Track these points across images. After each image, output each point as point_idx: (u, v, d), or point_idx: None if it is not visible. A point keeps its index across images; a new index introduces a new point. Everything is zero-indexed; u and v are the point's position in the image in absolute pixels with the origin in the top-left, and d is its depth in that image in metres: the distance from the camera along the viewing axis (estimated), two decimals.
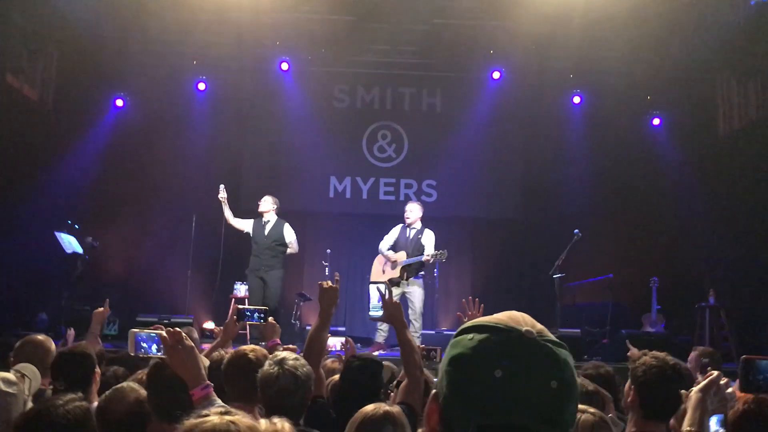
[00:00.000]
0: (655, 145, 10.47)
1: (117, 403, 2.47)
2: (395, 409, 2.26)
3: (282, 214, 8.32)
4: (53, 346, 3.50)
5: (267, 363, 2.55)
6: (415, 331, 7.47)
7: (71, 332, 4.97)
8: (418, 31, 9.73)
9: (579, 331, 8.39)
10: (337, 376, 3.33)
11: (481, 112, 10.67)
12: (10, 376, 2.62)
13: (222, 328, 3.77)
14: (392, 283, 7.75)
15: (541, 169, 10.75)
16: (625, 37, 9.17)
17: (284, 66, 10.25)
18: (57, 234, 8.46)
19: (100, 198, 9.90)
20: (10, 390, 2.52)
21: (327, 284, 3.21)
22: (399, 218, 8.50)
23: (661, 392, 2.49)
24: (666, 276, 8.98)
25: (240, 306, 3.70)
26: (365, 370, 3.04)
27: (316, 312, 3.27)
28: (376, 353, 6.31)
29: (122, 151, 10.06)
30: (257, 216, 8.17)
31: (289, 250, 8.08)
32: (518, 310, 1.02)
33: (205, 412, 1.37)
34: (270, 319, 3.71)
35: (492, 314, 0.99)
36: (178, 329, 2.24)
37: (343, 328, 9.22)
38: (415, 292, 7.80)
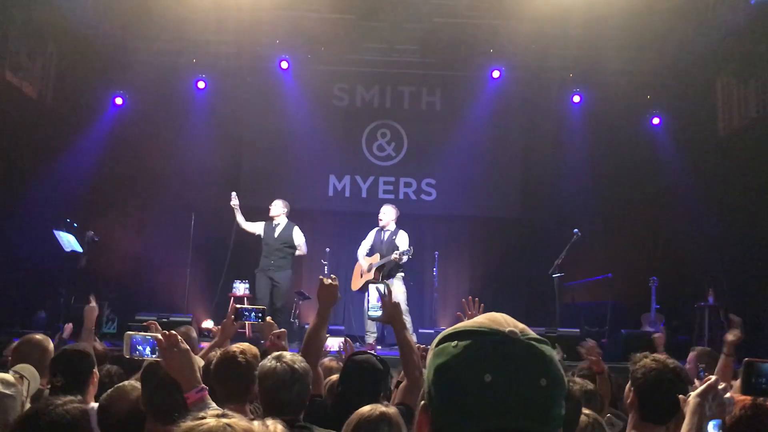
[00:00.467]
0: (654, 145, 10.46)
1: (119, 401, 2.47)
2: (392, 410, 2.26)
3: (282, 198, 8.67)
4: (51, 345, 3.50)
5: (266, 359, 2.56)
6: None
7: (69, 326, 4.97)
8: (418, 30, 9.72)
9: (578, 330, 8.38)
10: (335, 376, 3.32)
11: (481, 111, 10.66)
12: (8, 377, 2.61)
13: (220, 327, 3.76)
14: (368, 283, 7.82)
15: (540, 168, 10.75)
16: (625, 36, 9.16)
17: (284, 64, 10.24)
18: (56, 232, 8.45)
19: (99, 196, 9.89)
20: (8, 392, 2.51)
21: (327, 281, 3.19)
22: (398, 217, 8.51)
23: (659, 395, 2.49)
24: (665, 275, 8.98)
25: (238, 305, 3.69)
26: (365, 370, 3.04)
27: (314, 310, 3.25)
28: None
29: (121, 149, 10.05)
30: (268, 219, 8.48)
31: (297, 252, 8.41)
32: (517, 310, 1.02)
33: (201, 414, 1.36)
34: (268, 318, 3.70)
35: (491, 314, 0.98)
36: (173, 332, 2.24)
37: (341, 327, 9.21)
38: (395, 291, 7.82)
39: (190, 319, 7.93)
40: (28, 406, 2.62)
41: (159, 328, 3.15)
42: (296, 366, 2.50)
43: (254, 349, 2.82)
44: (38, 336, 3.56)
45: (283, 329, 3.36)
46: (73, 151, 9.57)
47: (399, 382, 3.03)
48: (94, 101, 10.13)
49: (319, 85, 10.76)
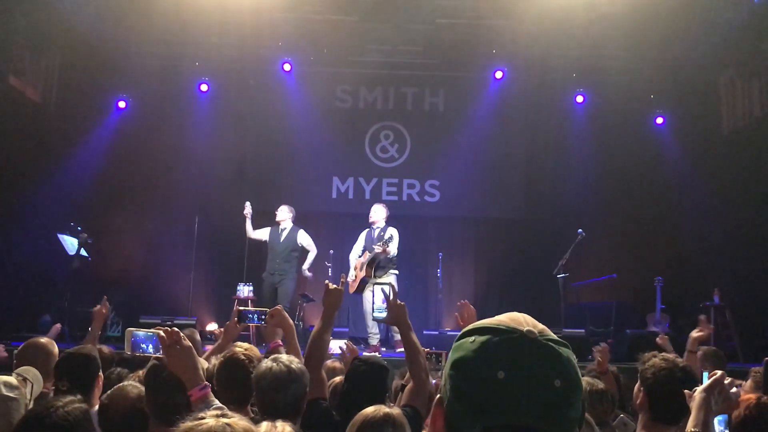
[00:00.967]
0: (658, 144, 10.44)
1: (119, 401, 2.46)
2: (396, 411, 2.24)
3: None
4: (56, 349, 3.48)
5: (263, 360, 2.55)
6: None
7: (56, 327, 4.97)
8: (421, 31, 9.71)
9: (583, 330, 8.37)
10: (338, 378, 3.31)
11: (484, 112, 10.66)
12: (11, 380, 2.60)
13: (223, 329, 3.75)
14: (362, 283, 7.81)
15: (544, 168, 10.73)
16: (629, 35, 9.14)
17: (287, 67, 10.25)
18: (60, 236, 8.47)
19: (102, 199, 9.91)
20: (11, 394, 2.50)
21: (332, 286, 3.18)
22: (402, 219, 8.52)
23: (670, 395, 2.45)
24: (670, 275, 8.94)
25: (241, 308, 3.68)
26: (370, 373, 3.02)
27: (319, 313, 3.24)
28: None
29: (125, 152, 10.06)
30: (274, 224, 8.63)
31: (310, 253, 8.57)
32: (522, 310, 1.01)
33: (201, 414, 1.36)
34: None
35: (496, 315, 0.99)
36: (176, 329, 2.23)
37: (345, 329, 9.21)
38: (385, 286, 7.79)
39: (194, 322, 7.95)
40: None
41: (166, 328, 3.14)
42: (292, 367, 2.49)
43: (256, 350, 2.81)
44: (43, 339, 3.55)
45: (277, 306, 3.34)
46: (77, 155, 9.59)
47: (403, 385, 3.01)
48: (98, 105, 10.16)
49: (322, 87, 10.76)
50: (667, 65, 9.96)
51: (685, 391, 2.22)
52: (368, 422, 2.14)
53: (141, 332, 2.37)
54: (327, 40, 9.92)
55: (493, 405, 0.88)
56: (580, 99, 10.51)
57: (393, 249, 7.88)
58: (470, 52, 10.19)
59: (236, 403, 2.38)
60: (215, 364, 2.69)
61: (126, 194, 10.08)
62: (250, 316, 3.64)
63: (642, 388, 2.60)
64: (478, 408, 0.89)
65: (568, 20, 8.87)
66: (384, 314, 3.14)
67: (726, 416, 2.18)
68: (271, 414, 2.37)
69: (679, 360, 2.63)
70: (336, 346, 5.03)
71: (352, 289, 8.09)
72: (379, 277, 7.82)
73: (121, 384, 2.57)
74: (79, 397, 2.26)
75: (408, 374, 3.16)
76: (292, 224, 8.68)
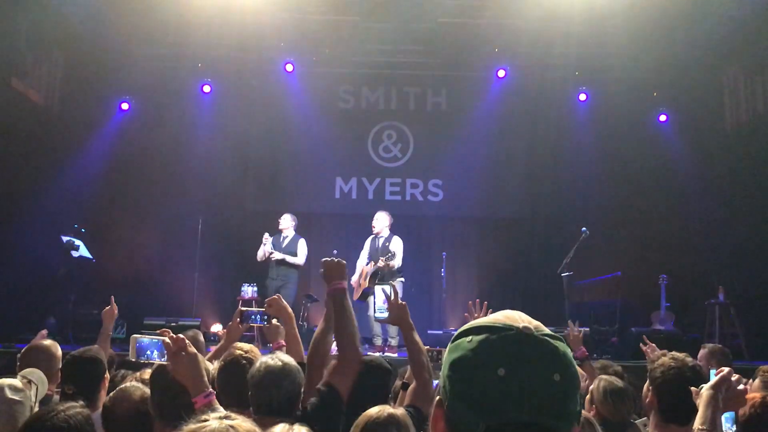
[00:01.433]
0: (662, 142, 10.41)
1: (123, 402, 2.46)
2: (400, 411, 2.23)
3: (290, 213, 8.86)
4: (59, 351, 3.47)
5: (259, 358, 2.55)
6: None
7: (43, 332, 4.96)
8: (422, 31, 9.70)
9: (588, 329, 8.34)
10: None
11: (487, 111, 10.64)
12: (16, 382, 2.58)
13: (226, 330, 3.75)
14: (365, 294, 7.79)
15: (548, 167, 10.71)
16: (631, 33, 9.11)
17: (289, 67, 10.25)
18: (64, 238, 8.48)
19: (106, 201, 9.92)
20: (16, 397, 2.49)
21: (335, 260, 3.04)
22: (405, 218, 8.51)
23: (679, 395, 2.41)
24: (675, 273, 8.92)
25: (243, 308, 3.67)
26: (374, 373, 3.00)
27: (322, 314, 3.21)
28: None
29: (128, 154, 10.08)
30: (277, 232, 8.73)
31: (294, 260, 8.57)
32: (526, 309, 1.01)
33: (204, 417, 1.35)
34: (273, 321, 3.67)
35: (507, 311, 0.99)
36: (181, 336, 2.22)
37: None
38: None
39: (198, 323, 7.96)
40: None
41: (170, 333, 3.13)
42: (285, 363, 2.48)
43: (257, 351, 2.80)
44: (46, 342, 3.53)
45: (275, 295, 3.32)
46: (80, 157, 9.61)
47: (404, 384, 2.99)
48: (101, 107, 10.17)
49: (325, 88, 10.77)
50: (670, 62, 9.93)
51: (692, 388, 2.21)
52: (372, 423, 2.13)
53: (146, 338, 2.36)
54: (329, 40, 9.92)
55: (495, 403, 0.88)
56: (582, 97, 10.49)
57: (397, 262, 7.87)
58: (472, 51, 10.18)
59: (238, 406, 2.37)
60: (216, 368, 2.68)
61: (129, 196, 10.09)
62: (253, 316, 3.62)
63: (650, 388, 2.58)
64: (480, 406, 0.89)
65: (570, 18, 8.84)
66: (385, 314, 3.11)
67: (733, 413, 2.17)
68: (266, 412, 2.36)
69: (689, 359, 2.60)
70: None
71: (356, 296, 8.09)
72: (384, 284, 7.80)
73: (124, 386, 2.57)
74: (81, 402, 2.26)
75: (408, 374, 3.14)
76: (294, 232, 8.79)
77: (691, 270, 9.53)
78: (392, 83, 10.99)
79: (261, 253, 8.69)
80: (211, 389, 2.19)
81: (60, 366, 3.28)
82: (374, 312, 7.60)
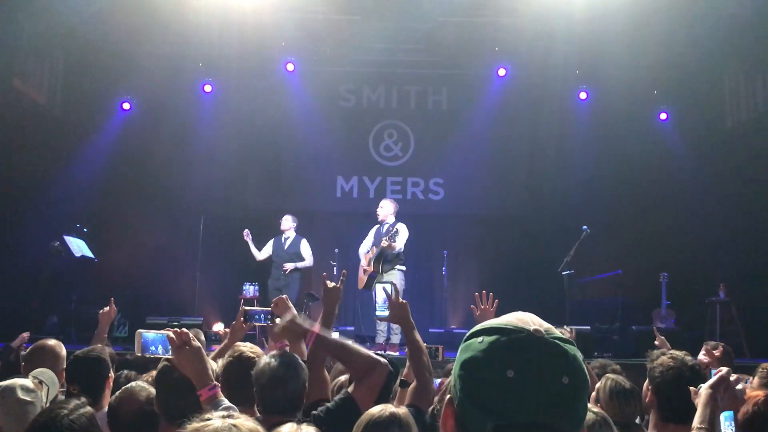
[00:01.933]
0: (662, 140, 10.41)
1: (128, 402, 2.47)
2: (402, 410, 2.23)
3: (291, 213, 8.96)
4: (64, 351, 3.48)
5: (262, 357, 2.55)
6: None
7: (23, 336, 4.96)
8: (423, 29, 9.71)
9: (589, 327, 8.35)
10: (343, 377, 3.29)
11: (488, 110, 10.65)
12: (28, 383, 2.59)
13: (229, 330, 3.75)
14: (370, 279, 7.79)
15: (548, 165, 10.71)
16: (631, 31, 9.11)
17: (290, 66, 10.26)
18: (66, 237, 8.50)
19: (108, 201, 9.93)
20: (27, 398, 2.50)
21: (331, 284, 3.15)
22: (406, 217, 8.50)
23: (679, 394, 2.41)
24: (675, 271, 8.92)
25: (247, 307, 3.68)
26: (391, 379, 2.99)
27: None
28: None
29: (130, 153, 10.10)
30: (278, 233, 8.86)
31: (303, 264, 8.73)
32: (527, 307, 1.03)
33: (207, 415, 1.37)
34: (277, 320, 3.68)
35: (501, 312, 1.01)
36: (185, 330, 2.24)
37: (351, 328, 9.22)
38: (392, 281, 7.77)
39: (200, 322, 7.96)
40: None
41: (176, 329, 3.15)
42: (291, 363, 2.49)
43: (259, 351, 2.81)
44: (51, 342, 3.52)
45: (282, 296, 3.32)
46: (82, 157, 9.62)
47: (402, 381, 2.97)
48: (102, 107, 10.19)
49: (325, 87, 10.77)
50: (671, 60, 9.93)
51: (691, 388, 2.22)
52: (374, 422, 2.13)
53: (150, 333, 2.38)
54: (329, 39, 9.93)
55: (503, 403, 0.90)
56: (583, 96, 10.48)
57: (399, 243, 7.86)
58: (473, 49, 10.18)
59: (244, 404, 2.39)
60: (222, 365, 2.69)
61: (131, 195, 10.09)
62: (257, 316, 3.63)
63: (650, 387, 2.58)
64: (489, 407, 0.91)
65: (571, 16, 8.85)
66: (386, 312, 3.12)
67: (732, 413, 2.18)
68: (271, 411, 2.37)
69: (688, 358, 2.60)
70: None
71: (361, 285, 8.08)
72: (386, 272, 7.80)
73: (129, 385, 2.58)
74: (83, 400, 2.27)
75: (406, 371, 3.14)
76: (295, 233, 8.86)
77: (692, 268, 9.54)
78: (393, 82, 11.00)
79: (255, 251, 8.82)
80: (215, 382, 2.21)
81: (64, 366, 3.29)
82: (375, 309, 7.64)
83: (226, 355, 2.79)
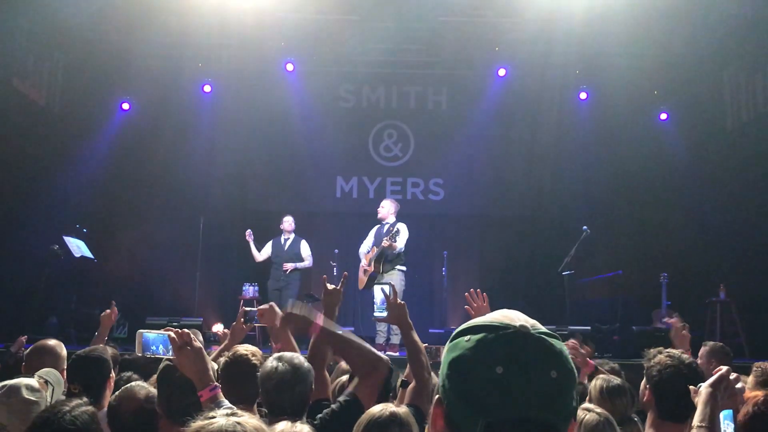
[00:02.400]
0: (662, 140, 10.40)
1: (127, 402, 2.47)
2: (402, 410, 2.23)
3: (291, 213, 9.00)
4: (64, 351, 3.47)
5: (268, 359, 2.55)
6: None
7: (22, 339, 4.96)
8: (423, 30, 9.71)
9: (589, 327, 8.35)
10: (344, 377, 3.30)
11: (488, 110, 10.64)
12: (33, 382, 2.58)
13: (229, 331, 3.75)
14: (370, 279, 7.79)
15: (548, 165, 10.72)
16: (631, 31, 9.11)
17: (289, 67, 10.26)
18: (65, 238, 8.49)
19: (107, 201, 9.94)
20: (32, 398, 2.50)
21: (331, 287, 3.15)
22: (406, 217, 8.50)
23: (676, 392, 2.42)
24: (676, 271, 8.92)
25: (247, 308, 3.68)
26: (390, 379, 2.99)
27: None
28: None
29: (129, 153, 10.10)
30: (277, 234, 8.94)
31: (303, 264, 8.79)
32: (527, 307, 1.03)
33: (211, 414, 1.37)
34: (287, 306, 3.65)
35: (504, 310, 1.01)
36: (186, 330, 2.24)
37: (351, 328, 9.21)
38: (392, 281, 7.77)
39: (200, 323, 7.95)
40: None
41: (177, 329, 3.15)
42: (297, 366, 2.49)
43: (258, 352, 2.82)
44: (51, 342, 3.52)
45: (269, 304, 3.29)
46: (82, 157, 9.63)
47: (403, 381, 2.97)
48: (101, 107, 10.19)
49: (325, 87, 10.77)
50: (671, 61, 9.93)
51: (691, 387, 2.21)
52: (374, 421, 2.13)
53: (151, 333, 2.38)
54: (329, 39, 9.93)
55: (493, 400, 0.90)
56: (583, 96, 10.48)
57: (400, 243, 7.85)
58: (472, 50, 10.18)
59: (244, 402, 2.39)
60: (221, 365, 2.70)
61: (131, 195, 10.10)
62: (257, 316, 3.63)
63: (648, 386, 2.58)
64: (479, 405, 0.91)
65: (570, 16, 8.84)
66: (384, 313, 3.11)
67: (731, 411, 2.17)
68: (278, 413, 2.37)
69: (686, 357, 2.60)
70: None
71: (361, 285, 8.08)
72: (387, 272, 7.80)
73: (129, 384, 2.59)
74: (85, 399, 2.27)
75: (407, 372, 3.14)
76: (294, 234, 8.90)
77: (692, 268, 9.54)
78: (393, 82, 11.00)
79: (255, 252, 8.87)
80: (216, 383, 2.21)
81: (65, 366, 3.29)
82: (374, 310, 7.63)
83: (224, 355, 2.80)
